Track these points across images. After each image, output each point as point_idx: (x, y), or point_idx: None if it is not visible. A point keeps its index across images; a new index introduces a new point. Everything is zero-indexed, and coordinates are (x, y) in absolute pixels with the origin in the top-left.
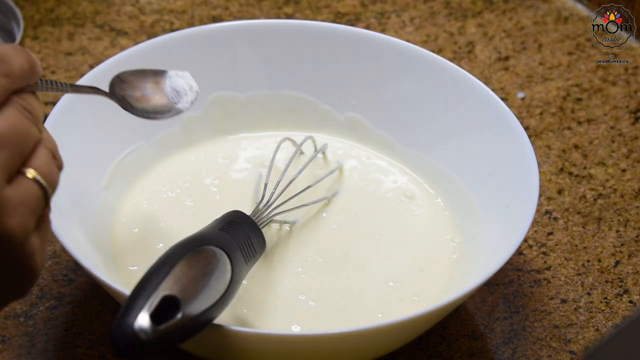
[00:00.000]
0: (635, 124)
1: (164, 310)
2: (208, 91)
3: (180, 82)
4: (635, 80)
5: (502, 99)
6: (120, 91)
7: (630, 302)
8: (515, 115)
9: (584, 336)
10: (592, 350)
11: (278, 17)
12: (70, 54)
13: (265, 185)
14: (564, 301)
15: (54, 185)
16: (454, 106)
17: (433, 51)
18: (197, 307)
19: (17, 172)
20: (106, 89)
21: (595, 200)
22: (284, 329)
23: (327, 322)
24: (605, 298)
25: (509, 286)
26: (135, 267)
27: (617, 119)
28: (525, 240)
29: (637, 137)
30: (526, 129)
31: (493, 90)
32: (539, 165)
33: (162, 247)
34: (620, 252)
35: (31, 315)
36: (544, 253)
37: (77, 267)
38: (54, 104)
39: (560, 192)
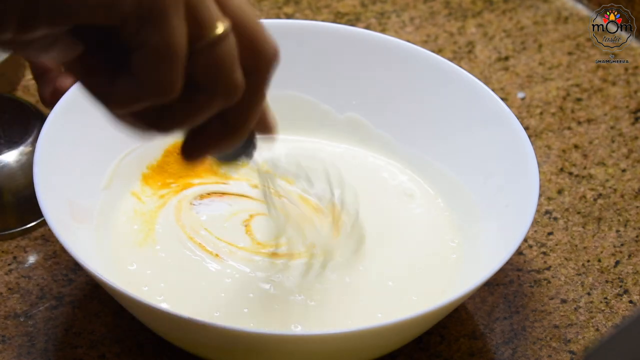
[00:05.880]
0: (635, 124)
1: None
2: None
3: None
4: (635, 80)
5: (502, 99)
6: None
7: (630, 302)
8: (515, 115)
9: (584, 336)
10: (592, 350)
11: (278, 17)
12: None
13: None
14: (564, 301)
15: None
16: (454, 106)
17: (433, 51)
18: None
19: None
20: None
21: (595, 200)
22: (284, 329)
23: (327, 322)
24: (605, 298)
25: (509, 286)
26: (135, 267)
27: (617, 119)
28: (525, 240)
29: (637, 137)
30: (526, 129)
31: (493, 90)
32: (539, 165)
33: (162, 248)
34: (620, 252)
35: (31, 315)
36: (544, 253)
37: (77, 267)
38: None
39: (560, 192)
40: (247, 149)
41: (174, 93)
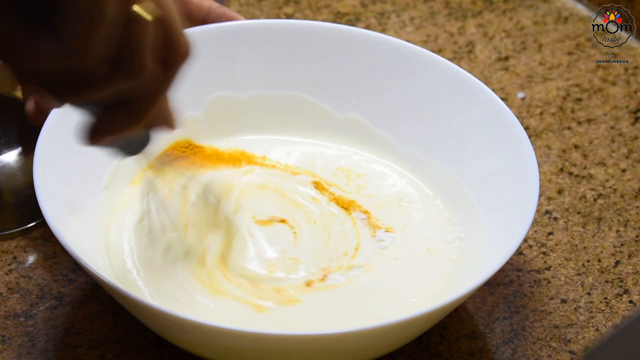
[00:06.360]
0: (635, 124)
1: None
2: (208, 91)
3: None
4: (635, 80)
5: (502, 99)
6: None
7: (630, 302)
8: (515, 115)
9: (584, 336)
10: (592, 350)
11: (278, 17)
12: None
13: None
14: (564, 301)
15: None
16: (454, 106)
17: (433, 51)
18: None
19: None
20: None
21: (595, 200)
22: (284, 329)
23: (327, 322)
24: (605, 298)
25: (509, 286)
26: (135, 267)
27: (617, 119)
28: (525, 240)
29: (637, 137)
30: (526, 129)
31: (493, 90)
32: (539, 165)
33: (163, 247)
34: (620, 252)
35: (31, 315)
36: (544, 253)
37: (77, 267)
38: None
39: (560, 192)
40: (144, 141)
41: (93, 57)
